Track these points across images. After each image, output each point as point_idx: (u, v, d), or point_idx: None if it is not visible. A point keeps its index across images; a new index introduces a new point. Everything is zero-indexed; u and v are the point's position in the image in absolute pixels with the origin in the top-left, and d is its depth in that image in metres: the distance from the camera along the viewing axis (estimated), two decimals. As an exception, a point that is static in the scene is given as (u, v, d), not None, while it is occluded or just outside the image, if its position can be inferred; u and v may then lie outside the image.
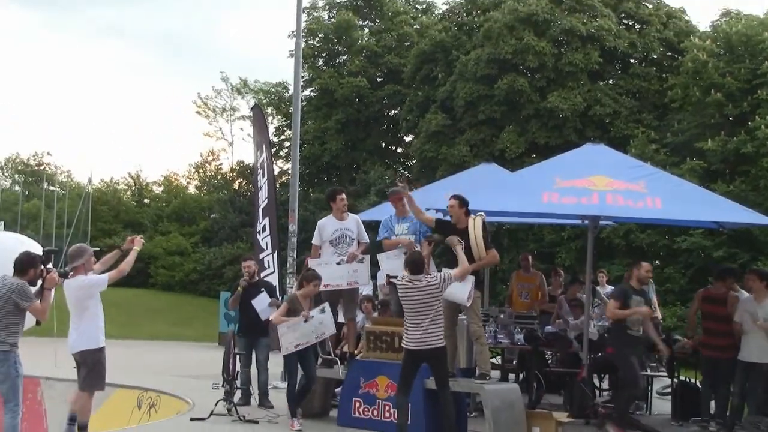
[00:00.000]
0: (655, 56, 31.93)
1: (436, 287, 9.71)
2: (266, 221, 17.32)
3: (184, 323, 31.96)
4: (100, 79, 79.88)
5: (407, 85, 36.89)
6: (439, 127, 32.50)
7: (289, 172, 24.28)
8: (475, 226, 10.47)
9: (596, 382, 14.24)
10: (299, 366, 11.08)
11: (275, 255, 17.04)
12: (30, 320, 9.55)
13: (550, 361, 14.63)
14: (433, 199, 12.60)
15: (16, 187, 52.15)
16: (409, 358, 9.84)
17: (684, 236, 23.84)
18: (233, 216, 41.09)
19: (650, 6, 32.85)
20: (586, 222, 12.88)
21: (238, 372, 12.65)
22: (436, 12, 41.24)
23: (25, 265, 9.13)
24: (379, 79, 40.12)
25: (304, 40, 29.97)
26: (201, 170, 50.06)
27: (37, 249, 11.23)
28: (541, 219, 18.85)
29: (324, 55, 41.46)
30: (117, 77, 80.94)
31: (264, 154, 18.12)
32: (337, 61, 41.32)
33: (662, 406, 13.82)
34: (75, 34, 78.80)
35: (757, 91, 24.81)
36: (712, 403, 12.13)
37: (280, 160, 40.86)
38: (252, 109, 28.53)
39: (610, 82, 32.08)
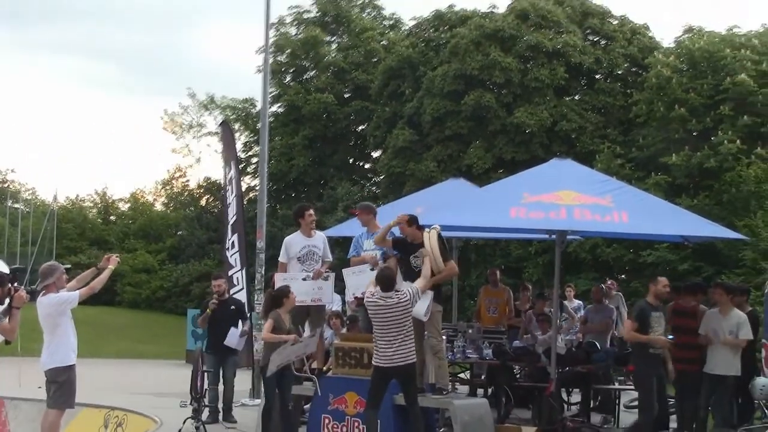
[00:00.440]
0: (619, 72, 32.24)
1: (407, 303, 9.72)
2: (235, 237, 17.23)
3: (151, 341, 31.73)
4: (65, 95, 79.52)
5: (374, 101, 36.97)
6: (406, 142, 32.59)
7: (257, 188, 24.20)
8: (430, 240, 10.50)
9: (564, 396, 14.29)
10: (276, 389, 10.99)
11: (244, 271, 16.97)
12: (-2, 337, 9.49)
13: (518, 376, 14.66)
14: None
15: (-20, 205, 51.63)
16: (378, 375, 9.82)
17: (649, 250, 24.02)
18: (200, 233, 40.91)
19: (615, 22, 33.20)
20: (554, 236, 12.94)
21: (206, 390, 12.58)
22: (403, 28, 41.41)
23: (-8, 283, 9.06)
24: (346, 95, 40.15)
25: (271, 55, 29.97)
26: (168, 187, 49.77)
27: (2, 267, 11.13)
28: (509, 234, 18.92)
29: (291, 71, 41.43)
30: (82, 93, 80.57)
31: (232, 171, 18.04)
32: (305, 77, 41.31)
33: (629, 419, 13.87)
34: (39, 50, 78.35)
35: (719, 107, 25.10)
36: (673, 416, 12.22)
37: (248, 177, 40.74)
38: (220, 125, 28.40)
39: (576, 97, 32.33)
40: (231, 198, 17.87)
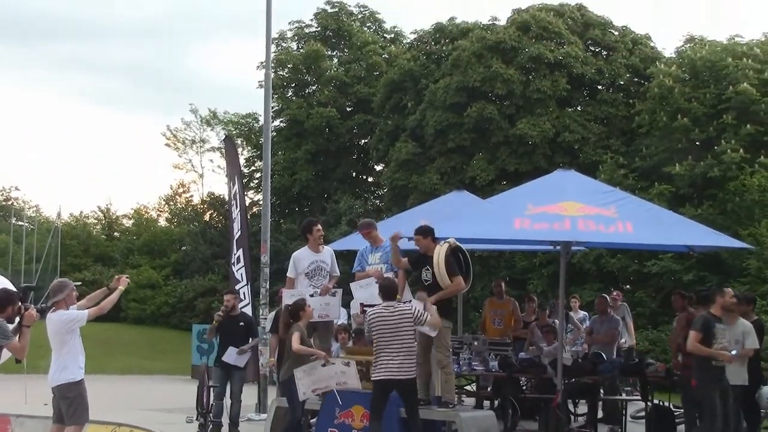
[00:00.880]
0: (621, 82, 32.26)
1: (409, 315, 9.72)
2: (240, 252, 17.29)
3: (156, 356, 31.68)
4: (67, 111, 79.51)
5: (377, 115, 37.02)
6: (409, 155, 32.61)
7: (260, 202, 24.22)
8: (439, 255, 10.50)
9: (571, 407, 14.27)
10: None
11: (249, 286, 17.01)
12: (5, 354, 9.49)
13: (524, 387, 14.65)
14: (404, 228, 12.63)
15: (-16, 223, 51.65)
16: (378, 388, 9.84)
17: (654, 260, 23.99)
18: (204, 248, 40.89)
19: (616, 33, 33.24)
20: (558, 248, 12.94)
21: (212, 405, 12.58)
22: (404, 41, 41.45)
23: (3, 302, 9.07)
24: (348, 109, 40.20)
25: (273, 70, 30.00)
26: (171, 203, 49.79)
27: (8, 285, 11.16)
28: (513, 246, 18.93)
29: (293, 85, 41.48)
30: (85, 110, 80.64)
31: (236, 186, 18.12)
32: (307, 91, 41.36)
33: (636, 429, 13.86)
34: (43, 66, 78.47)
35: (722, 116, 25.11)
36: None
37: (251, 191, 40.77)
38: (224, 140, 28.51)
39: (578, 108, 32.35)
40: (235, 213, 17.94)
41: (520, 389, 14.38)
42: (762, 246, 19.77)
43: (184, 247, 43.94)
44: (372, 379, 9.98)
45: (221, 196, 42.42)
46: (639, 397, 14.12)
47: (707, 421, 10.72)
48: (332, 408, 10.91)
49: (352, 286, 11.71)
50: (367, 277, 11.48)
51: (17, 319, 9.12)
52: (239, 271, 17.18)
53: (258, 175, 39.14)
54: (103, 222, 49.99)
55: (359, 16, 43.00)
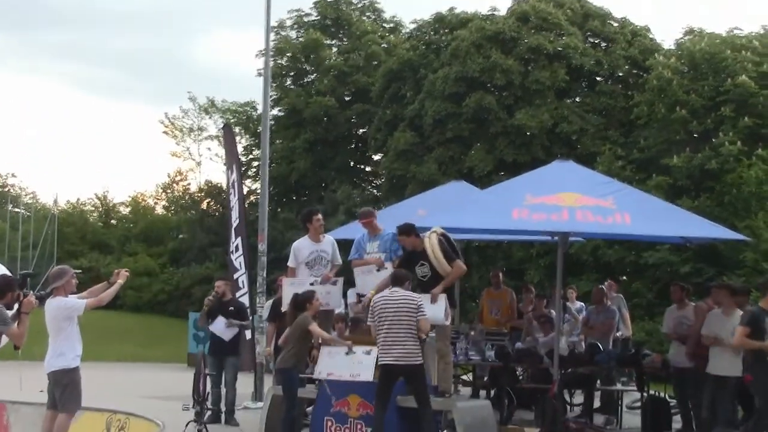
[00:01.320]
0: (620, 74, 32.21)
1: (413, 304, 9.73)
2: (239, 241, 17.28)
3: (152, 344, 31.69)
4: (65, 99, 79.35)
5: (375, 104, 36.94)
6: (407, 145, 32.56)
7: (258, 191, 24.20)
8: (431, 245, 10.51)
9: (567, 397, 14.30)
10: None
11: (248, 274, 17.02)
12: (3, 340, 9.52)
13: (521, 378, 14.69)
14: (402, 217, 12.65)
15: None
16: (384, 373, 9.84)
17: (651, 251, 24.01)
18: (202, 236, 40.86)
19: (616, 24, 33.16)
20: (556, 238, 12.96)
21: (208, 393, 12.59)
22: (403, 31, 41.34)
23: (2, 288, 9.11)
24: (347, 98, 40.12)
25: (272, 59, 29.93)
26: (169, 191, 49.73)
27: (3, 270, 11.18)
28: (511, 236, 18.94)
29: (292, 74, 41.39)
30: (82, 97, 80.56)
31: (235, 174, 18.09)
32: (305, 80, 41.27)
33: (632, 420, 13.89)
34: (40, 54, 78.25)
35: (720, 108, 25.09)
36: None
37: (249, 180, 40.71)
38: (222, 128, 28.46)
39: (577, 99, 32.30)
40: (234, 201, 17.92)
41: (517, 379, 14.43)
42: (759, 238, 19.79)
43: (181, 235, 43.93)
44: (378, 364, 9.99)
45: (219, 185, 42.39)
46: (635, 388, 14.15)
47: (765, 416, 10.59)
48: (328, 397, 10.92)
49: (355, 271, 11.69)
50: (365, 264, 11.51)
51: (16, 306, 9.14)
52: (238, 259, 17.17)
53: (256, 163, 39.06)
54: (100, 209, 49.92)
55: (359, 5, 42.88)
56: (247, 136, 42.82)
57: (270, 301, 14.47)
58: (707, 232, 12.89)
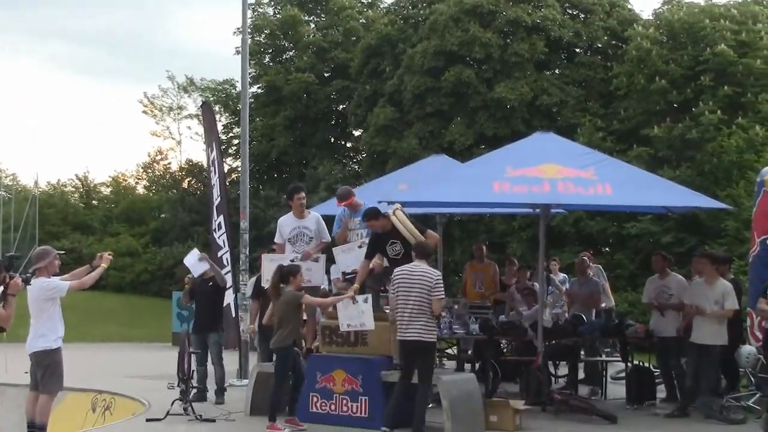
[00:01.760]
0: (599, 45, 32.16)
1: (430, 279, 9.76)
2: (221, 219, 17.27)
3: (136, 324, 31.63)
4: (44, 79, 78.58)
5: (355, 80, 36.81)
6: (387, 120, 32.48)
7: (239, 169, 24.11)
8: (401, 221, 10.59)
9: (552, 369, 14.37)
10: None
11: (230, 252, 17.02)
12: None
13: (505, 350, 14.75)
14: (384, 192, 12.64)
15: (-40, 192, 51.21)
16: (402, 347, 9.98)
17: (633, 222, 24.09)
18: (183, 215, 40.72)
19: (594, -5, 33.09)
20: (538, 211, 12.97)
21: (193, 371, 12.59)
22: (381, 6, 41.17)
23: (-12, 270, 9.06)
24: (326, 75, 39.95)
25: (250, 36, 29.73)
26: (149, 170, 49.47)
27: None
28: (493, 209, 18.96)
29: (270, 51, 41.18)
30: (61, 78, 79.72)
31: (215, 152, 18.04)
32: (284, 57, 41.08)
33: (617, 390, 13.98)
34: (17, 34, 77.43)
35: (699, 78, 25.11)
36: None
37: (229, 158, 40.56)
38: (201, 106, 28.29)
39: (556, 71, 32.25)
40: (214, 179, 17.89)
41: (501, 352, 14.49)
42: (740, 207, 19.87)
43: (162, 215, 43.75)
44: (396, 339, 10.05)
45: (199, 163, 42.19)
46: (619, 358, 14.24)
47: None
48: (313, 373, 10.94)
49: (335, 251, 11.72)
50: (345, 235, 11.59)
51: (2, 288, 9.10)
52: (221, 237, 17.17)
53: (236, 141, 38.89)
54: (81, 190, 49.61)
55: (336, -19, 42.61)
56: (227, 114, 42.62)
57: (253, 279, 14.48)
58: (689, 201, 12.93)
